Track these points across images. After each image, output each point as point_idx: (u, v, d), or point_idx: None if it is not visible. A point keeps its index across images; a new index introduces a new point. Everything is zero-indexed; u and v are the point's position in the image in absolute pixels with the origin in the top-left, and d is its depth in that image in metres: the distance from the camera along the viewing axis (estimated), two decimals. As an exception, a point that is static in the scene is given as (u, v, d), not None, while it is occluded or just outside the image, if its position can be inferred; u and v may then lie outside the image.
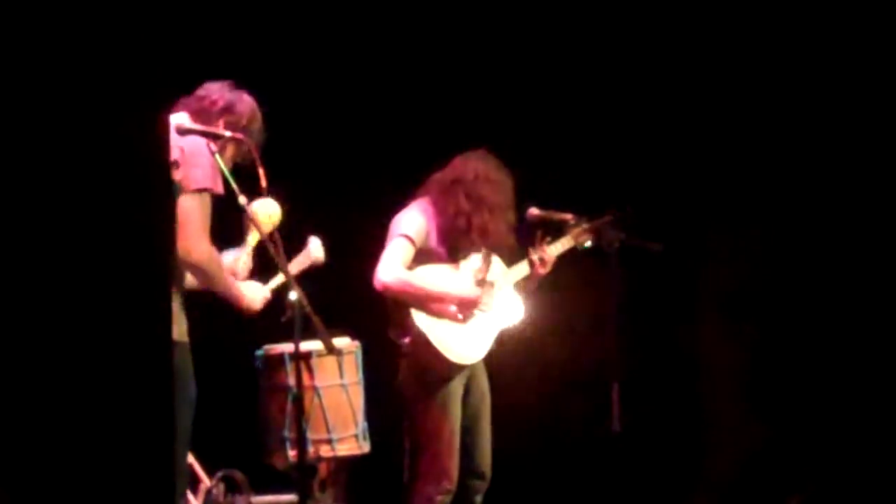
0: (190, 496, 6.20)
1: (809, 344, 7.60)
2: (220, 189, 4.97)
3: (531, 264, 6.25)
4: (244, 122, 5.24)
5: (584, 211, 6.34)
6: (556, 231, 6.30)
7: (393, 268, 5.98)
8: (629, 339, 6.23)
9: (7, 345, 3.72)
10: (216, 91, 5.28)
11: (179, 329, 4.92)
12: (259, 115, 5.33)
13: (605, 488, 6.91)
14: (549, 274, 6.28)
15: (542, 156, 6.29)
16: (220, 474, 6.33)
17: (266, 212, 5.27)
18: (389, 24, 7.47)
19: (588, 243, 6.35)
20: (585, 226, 6.34)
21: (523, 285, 6.30)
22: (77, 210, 3.75)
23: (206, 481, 6.33)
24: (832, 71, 7.50)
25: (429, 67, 7.52)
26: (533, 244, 6.27)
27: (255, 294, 5.27)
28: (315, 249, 5.77)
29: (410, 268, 6.03)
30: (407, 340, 6.06)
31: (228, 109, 5.24)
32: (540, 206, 6.31)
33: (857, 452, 7.51)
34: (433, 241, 6.11)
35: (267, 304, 5.33)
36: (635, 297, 6.56)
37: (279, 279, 5.40)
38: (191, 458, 6.25)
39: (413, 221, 6.09)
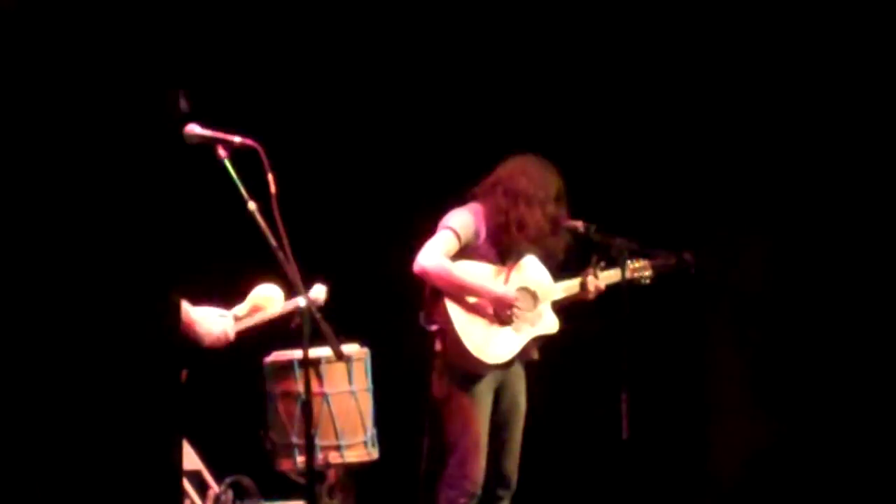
0: (198, 502, 6.19)
1: (815, 348, 7.59)
2: None
3: (582, 286, 6.26)
4: None
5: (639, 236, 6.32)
6: (610, 258, 6.28)
7: (434, 255, 6.03)
8: (638, 347, 6.22)
9: (20, 342, 3.74)
10: None
11: None
12: None
13: (615, 495, 6.90)
14: (593, 300, 6.30)
15: (558, 163, 6.27)
16: (228, 480, 6.30)
17: (268, 295, 5.31)
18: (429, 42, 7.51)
19: (646, 281, 6.37)
20: (641, 263, 6.35)
21: (560, 301, 6.30)
22: (88, 212, 3.76)
23: (214, 487, 6.31)
24: (844, 77, 7.50)
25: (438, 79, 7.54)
26: (587, 266, 6.28)
27: (212, 324, 5.25)
28: (316, 291, 5.76)
29: (453, 262, 6.07)
30: (434, 328, 6.09)
31: None
32: (599, 228, 6.26)
33: (862, 453, 7.50)
34: (481, 241, 6.14)
35: (230, 345, 5.32)
36: (644, 305, 6.55)
37: (249, 322, 5.42)
38: (199, 464, 6.25)
39: (460, 218, 6.15)
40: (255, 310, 5.47)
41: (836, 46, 7.48)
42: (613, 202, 6.94)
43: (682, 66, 7.63)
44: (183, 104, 4.83)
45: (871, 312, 7.54)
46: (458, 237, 6.10)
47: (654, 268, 6.41)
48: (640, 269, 6.38)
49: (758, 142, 7.66)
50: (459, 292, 6.07)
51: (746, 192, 7.70)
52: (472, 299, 6.09)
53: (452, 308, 6.05)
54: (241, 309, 5.45)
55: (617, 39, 7.64)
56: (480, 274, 6.12)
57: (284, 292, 5.42)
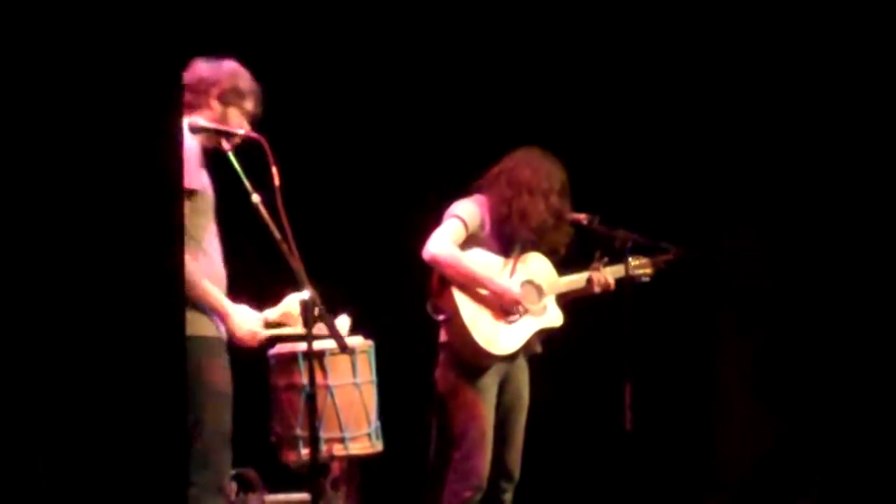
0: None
1: (821, 344, 7.60)
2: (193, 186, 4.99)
3: (589, 281, 6.28)
4: (227, 86, 5.23)
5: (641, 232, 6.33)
6: (613, 251, 6.30)
7: (444, 242, 6.02)
8: (641, 339, 6.23)
9: (26, 334, 3.75)
10: (192, 76, 5.25)
11: (193, 325, 4.92)
12: (243, 76, 5.32)
13: (618, 488, 6.91)
14: (596, 295, 6.32)
15: (561, 156, 6.28)
16: (233, 473, 6.32)
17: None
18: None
19: (646, 279, 6.39)
20: (642, 261, 6.36)
21: (564, 295, 6.31)
22: (94, 211, 3.77)
23: (219, 480, 6.32)
24: (845, 74, 7.50)
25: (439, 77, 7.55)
26: (591, 261, 6.30)
27: (243, 320, 5.25)
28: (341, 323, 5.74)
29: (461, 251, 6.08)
30: (441, 318, 6.09)
31: (206, 91, 5.23)
32: (602, 221, 6.28)
33: (868, 452, 7.51)
34: (486, 233, 6.14)
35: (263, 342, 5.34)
36: (647, 298, 6.56)
37: (274, 331, 5.42)
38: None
39: (467, 207, 6.15)
40: (282, 322, 5.49)
41: (835, 43, 7.49)
42: (617, 198, 6.94)
43: (689, 64, 7.64)
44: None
45: (875, 308, 7.55)
46: (466, 225, 6.10)
47: (654, 265, 6.42)
48: (640, 266, 6.39)
49: (763, 138, 7.67)
50: (467, 282, 6.07)
51: (750, 188, 7.70)
52: (480, 290, 6.10)
53: (460, 297, 6.05)
54: (272, 313, 5.46)
55: (621, 36, 7.65)
56: (489, 264, 6.12)
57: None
